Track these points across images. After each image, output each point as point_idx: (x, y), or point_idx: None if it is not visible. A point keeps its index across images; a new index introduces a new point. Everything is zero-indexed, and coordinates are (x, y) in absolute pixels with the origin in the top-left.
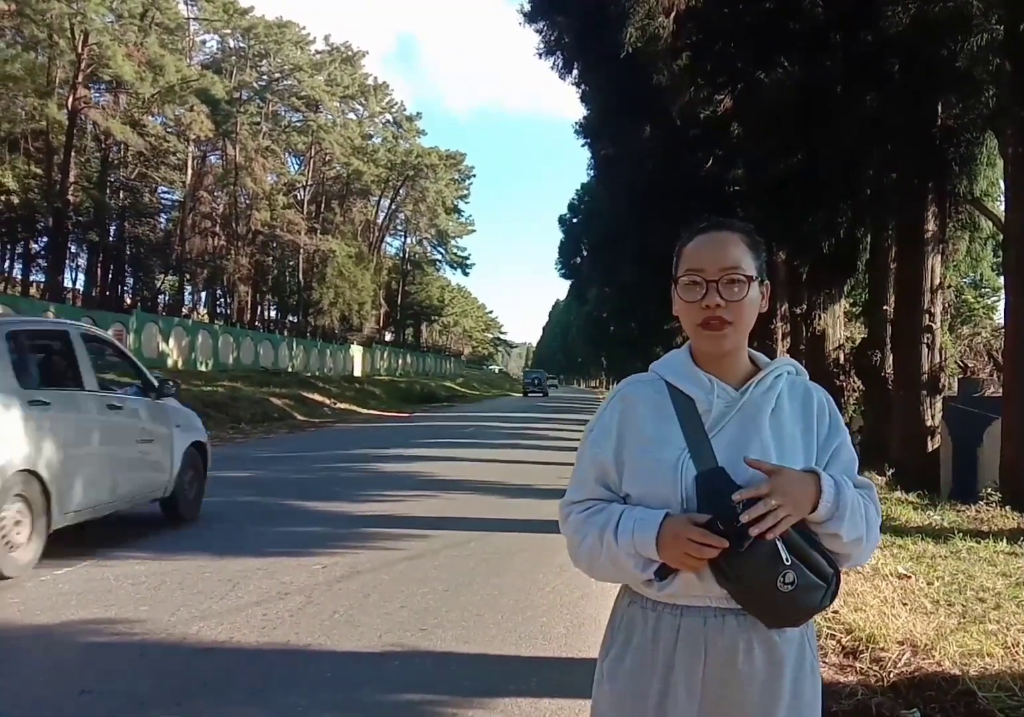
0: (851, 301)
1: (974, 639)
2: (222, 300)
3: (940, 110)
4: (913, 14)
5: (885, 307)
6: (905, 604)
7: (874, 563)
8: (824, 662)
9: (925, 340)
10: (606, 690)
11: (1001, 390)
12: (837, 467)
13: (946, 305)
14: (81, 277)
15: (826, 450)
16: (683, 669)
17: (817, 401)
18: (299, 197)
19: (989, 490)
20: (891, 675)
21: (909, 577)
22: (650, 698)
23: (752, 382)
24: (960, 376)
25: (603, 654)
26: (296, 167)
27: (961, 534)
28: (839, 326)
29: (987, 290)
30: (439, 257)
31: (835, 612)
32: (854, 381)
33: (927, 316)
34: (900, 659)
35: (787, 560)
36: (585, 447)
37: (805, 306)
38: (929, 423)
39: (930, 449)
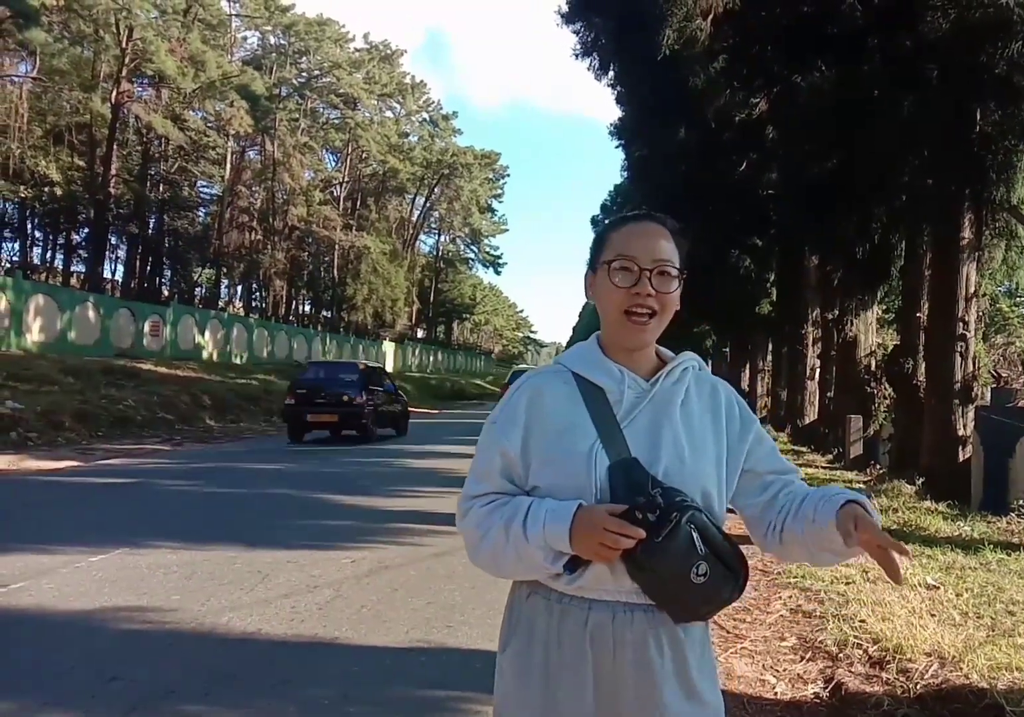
0: (884, 307)
1: (1003, 652)
2: (258, 294)
3: (979, 116)
4: (953, 19)
5: (918, 314)
6: (933, 615)
7: (903, 573)
8: (850, 672)
9: (958, 348)
10: (511, 686)
11: None
12: (763, 451)
13: (980, 314)
14: (120, 268)
15: (743, 440)
16: (592, 664)
17: (724, 395)
18: (335, 193)
19: (1020, 502)
20: (918, 687)
21: (938, 588)
22: (559, 693)
23: (662, 373)
24: (993, 386)
25: (502, 648)
26: (333, 164)
27: (991, 546)
28: (871, 332)
29: (1022, 299)
30: (472, 256)
31: (862, 621)
32: (885, 388)
33: (961, 324)
34: (927, 671)
35: (702, 551)
36: (488, 439)
37: (837, 312)
38: (961, 432)
39: (961, 459)
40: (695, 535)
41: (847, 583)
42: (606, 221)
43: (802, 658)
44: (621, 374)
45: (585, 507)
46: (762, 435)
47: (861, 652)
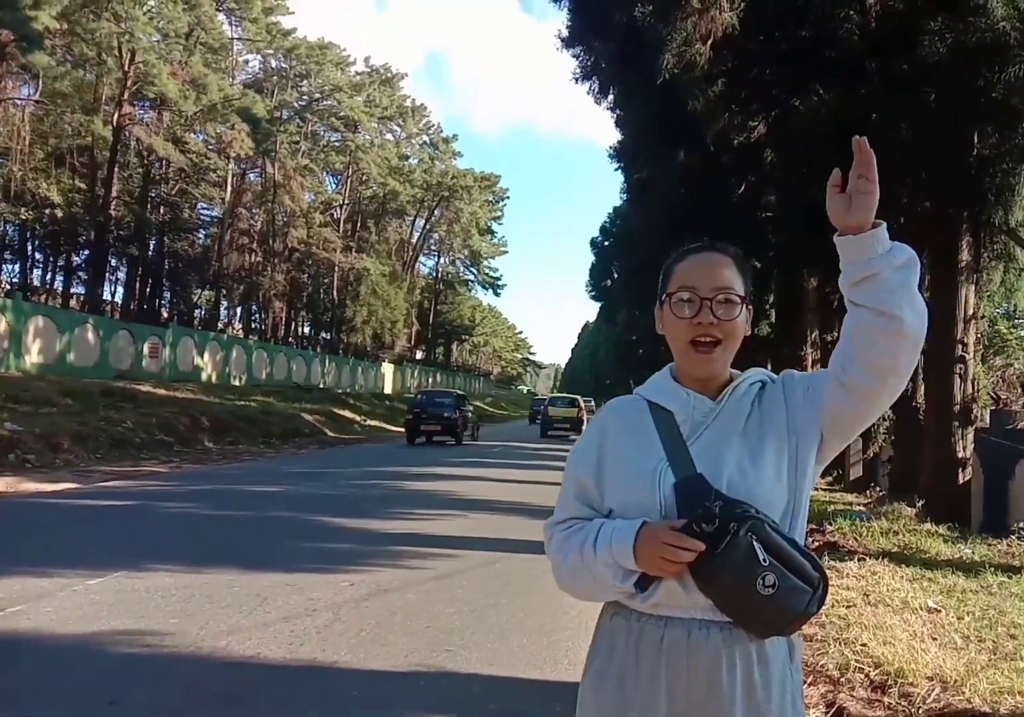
0: None
1: (1005, 676)
2: (257, 316)
3: (976, 139)
4: (950, 44)
5: None
6: (935, 639)
7: (903, 596)
8: (852, 696)
9: (957, 370)
10: (590, 702)
11: None
12: (821, 383)
13: (979, 336)
14: (120, 290)
15: (809, 403)
16: (666, 681)
17: (778, 383)
18: (335, 216)
19: (1021, 524)
20: (920, 711)
21: (939, 611)
22: (633, 709)
23: (727, 391)
24: (992, 407)
25: (586, 668)
26: (333, 186)
27: (992, 568)
28: None
29: (1021, 321)
30: (471, 277)
31: (863, 645)
32: (885, 410)
33: (960, 346)
34: (929, 695)
35: (764, 560)
36: (568, 467)
37: (836, 333)
38: (960, 455)
39: (961, 481)
40: (756, 545)
41: (848, 607)
42: (605, 243)
43: (804, 682)
44: (688, 396)
45: (649, 524)
46: (809, 378)
47: (863, 676)
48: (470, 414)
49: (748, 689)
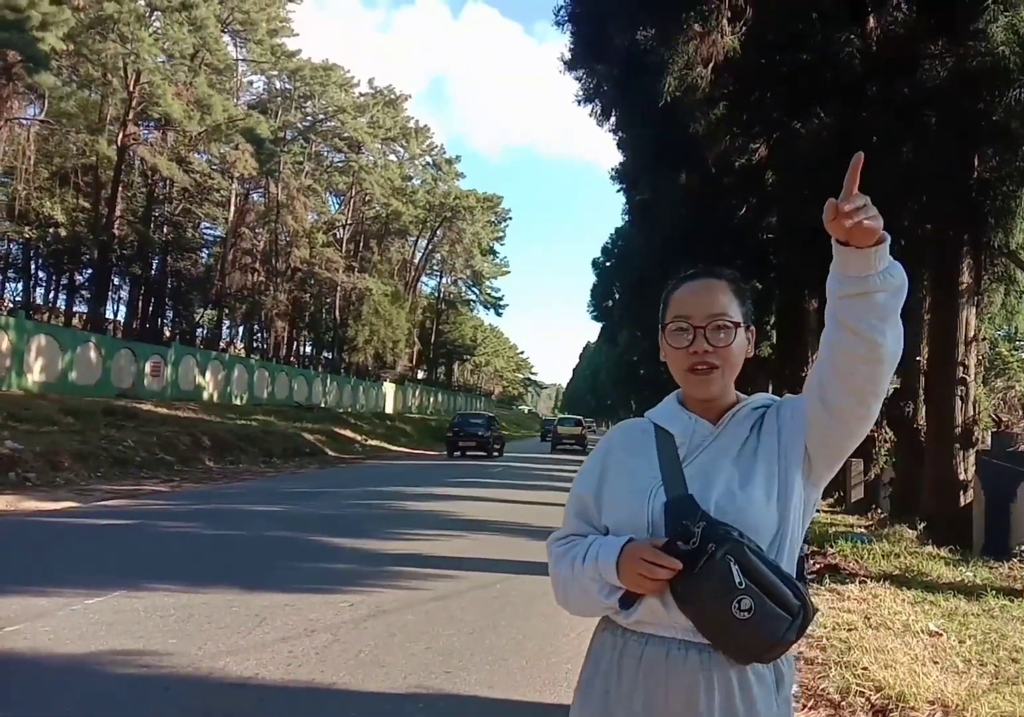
0: None
1: (1007, 701)
2: (259, 335)
3: (976, 162)
4: (950, 67)
5: (918, 358)
6: (936, 662)
7: (905, 619)
8: None
9: (959, 392)
10: (577, 714)
11: None
12: (803, 404)
13: (980, 358)
14: (122, 309)
15: (796, 427)
16: (643, 698)
17: (772, 408)
18: (338, 236)
19: (1022, 547)
20: None
21: (940, 635)
22: None
23: (728, 415)
24: (994, 430)
25: (577, 681)
26: (336, 206)
27: (994, 592)
28: None
29: (1022, 343)
30: (473, 297)
31: (864, 669)
32: (885, 432)
33: (961, 368)
34: None
35: (740, 584)
36: (573, 485)
37: None
38: (962, 477)
39: (962, 503)
40: (734, 568)
41: (849, 630)
42: (606, 263)
43: (804, 706)
44: (690, 419)
45: (634, 540)
46: (798, 400)
47: (864, 700)
48: (498, 433)
49: (728, 715)
